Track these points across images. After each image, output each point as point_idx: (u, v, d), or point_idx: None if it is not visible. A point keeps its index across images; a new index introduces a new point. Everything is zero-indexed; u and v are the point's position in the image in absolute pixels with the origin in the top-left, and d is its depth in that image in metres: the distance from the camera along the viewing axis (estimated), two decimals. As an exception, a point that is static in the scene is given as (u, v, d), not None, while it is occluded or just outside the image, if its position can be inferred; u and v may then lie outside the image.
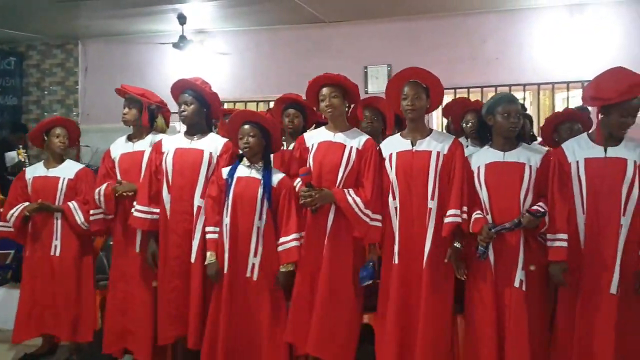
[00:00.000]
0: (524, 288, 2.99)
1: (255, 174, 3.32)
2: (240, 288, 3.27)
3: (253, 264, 3.26)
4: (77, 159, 4.19)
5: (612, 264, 2.89)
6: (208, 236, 3.35)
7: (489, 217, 3.06)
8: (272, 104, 7.37)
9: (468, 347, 3.16)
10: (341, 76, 3.38)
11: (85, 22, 7.35)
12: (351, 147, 3.30)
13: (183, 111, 3.51)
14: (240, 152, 3.44)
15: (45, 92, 8.32)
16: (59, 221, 3.92)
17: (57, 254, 3.90)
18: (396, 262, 3.17)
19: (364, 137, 3.36)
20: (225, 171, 3.39)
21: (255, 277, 3.27)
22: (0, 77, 8.06)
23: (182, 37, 6.81)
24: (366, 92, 6.73)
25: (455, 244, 3.09)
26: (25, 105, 8.31)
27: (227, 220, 3.29)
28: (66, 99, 8.23)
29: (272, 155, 3.48)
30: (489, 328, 3.03)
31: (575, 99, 6.38)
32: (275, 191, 3.29)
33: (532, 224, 2.94)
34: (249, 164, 3.36)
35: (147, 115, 3.81)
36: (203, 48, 7.44)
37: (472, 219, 3.05)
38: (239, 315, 3.27)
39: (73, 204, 3.89)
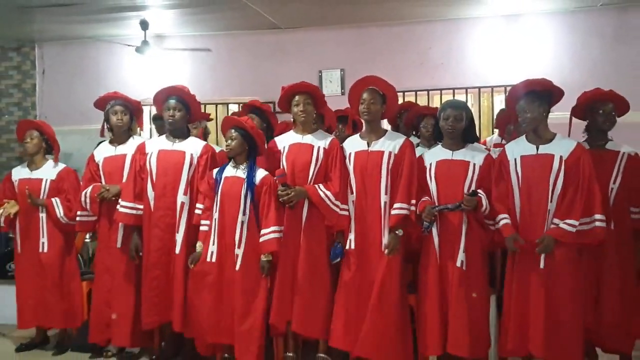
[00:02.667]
0: (464, 268, 3.48)
1: (240, 174, 3.68)
2: (227, 276, 3.62)
3: (237, 255, 3.62)
4: (56, 161, 4.39)
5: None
6: (202, 228, 3.70)
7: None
8: (230, 106, 7.75)
9: (419, 321, 3.63)
10: (314, 86, 3.79)
11: (42, 26, 7.39)
12: (319, 147, 3.73)
13: (172, 116, 3.81)
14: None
15: (2, 95, 8.29)
16: (44, 218, 4.15)
17: (45, 250, 4.18)
18: (353, 247, 3.62)
19: (329, 138, 3.79)
20: (215, 171, 3.73)
21: (237, 267, 3.63)
22: (-46, 80, 7.99)
23: (145, 42, 7.00)
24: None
25: (396, 232, 3.55)
26: (-19, 108, 8.26)
27: (216, 215, 3.64)
28: (23, 101, 8.22)
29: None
30: (433, 303, 3.52)
31: (512, 101, 6.98)
32: (258, 189, 3.66)
33: (470, 203, 3.43)
34: (234, 164, 3.71)
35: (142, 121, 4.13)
36: (163, 51, 7.62)
37: (419, 203, 3.53)
38: (224, 300, 3.62)
39: (55, 200, 4.17)
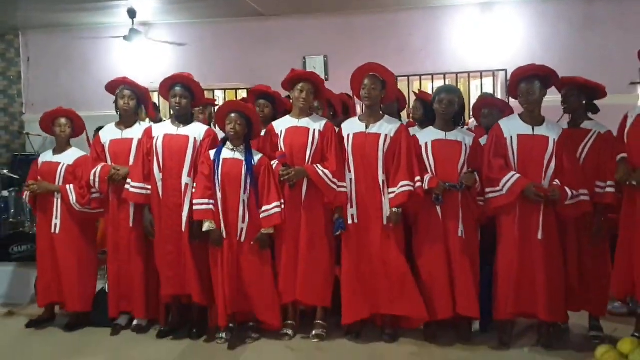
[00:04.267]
0: (464, 237, 3.84)
1: (239, 156, 3.94)
2: (233, 249, 3.90)
3: (242, 229, 3.90)
4: (89, 144, 4.55)
5: (538, 216, 3.71)
6: (202, 207, 3.91)
7: None
8: (216, 92, 7.94)
9: (424, 285, 3.92)
10: (320, 78, 4.11)
11: (26, 14, 7.48)
12: (314, 130, 4.02)
13: (178, 103, 4.04)
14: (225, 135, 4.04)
15: (-14, 82, 8.36)
16: (59, 202, 4.36)
17: (57, 232, 4.35)
18: (356, 221, 3.93)
19: (324, 121, 4.09)
20: (211, 153, 3.98)
21: (242, 239, 3.91)
22: (-62, 68, 8.02)
23: (133, 30, 7.14)
24: (305, 81, 7.38)
25: (394, 210, 3.86)
26: (-35, 96, 8.32)
27: (219, 194, 3.90)
28: (8, 89, 8.31)
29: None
30: (440, 268, 3.85)
31: (487, 86, 7.35)
32: (256, 169, 3.93)
33: (469, 180, 3.78)
34: (232, 147, 3.97)
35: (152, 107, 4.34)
36: (148, 40, 7.75)
37: (426, 180, 3.85)
38: (235, 271, 3.90)
39: (69, 187, 4.34)
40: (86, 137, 4.60)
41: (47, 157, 4.50)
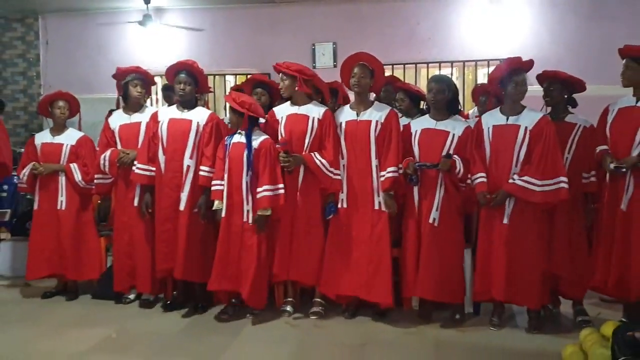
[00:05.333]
0: (436, 224, 3.98)
1: (243, 140, 4.11)
2: (237, 229, 4.08)
3: (247, 211, 4.09)
4: (79, 127, 4.81)
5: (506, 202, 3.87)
6: (215, 188, 4.12)
7: None
8: (227, 77, 8.11)
9: (402, 269, 4.13)
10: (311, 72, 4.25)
11: (45, -1, 7.71)
12: (313, 118, 4.16)
13: (182, 89, 4.23)
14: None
15: (7, 65, 8.61)
16: (63, 180, 4.59)
17: (63, 208, 4.62)
18: (345, 206, 4.11)
19: (323, 109, 4.22)
20: (227, 138, 4.18)
21: (250, 221, 4.08)
22: (-40, 50, 8.29)
23: (148, 16, 7.32)
24: (314, 67, 7.48)
25: (389, 192, 4.02)
26: (-14, 77, 8.58)
27: (226, 176, 4.09)
28: (28, 71, 8.55)
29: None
30: (411, 253, 4.04)
31: (494, 75, 7.41)
32: (256, 152, 4.08)
33: (445, 165, 3.90)
34: (240, 132, 4.15)
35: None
36: (162, 25, 7.93)
37: (403, 161, 4.01)
38: (235, 249, 4.08)
39: (73, 165, 4.59)
40: (79, 118, 4.82)
41: (46, 138, 4.72)
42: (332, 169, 4.09)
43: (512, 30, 7.12)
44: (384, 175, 4.01)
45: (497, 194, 3.85)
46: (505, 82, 3.93)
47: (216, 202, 4.12)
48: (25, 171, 4.65)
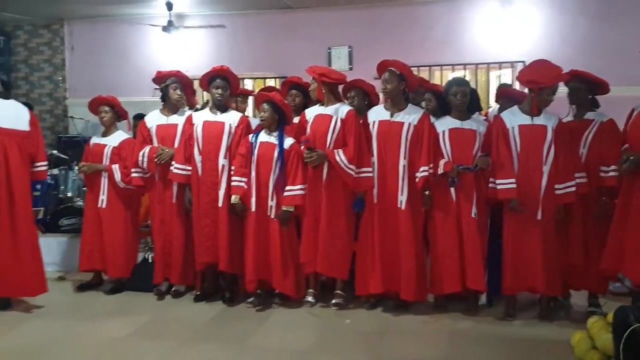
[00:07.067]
0: (477, 218, 4.19)
1: (273, 140, 4.37)
2: (263, 223, 4.35)
3: (271, 206, 4.35)
4: (129, 130, 5.11)
5: (537, 198, 4.07)
6: (235, 184, 4.38)
7: None
8: (246, 81, 8.35)
9: (436, 261, 4.30)
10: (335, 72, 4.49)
11: (71, 6, 7.97)
12: (336, 118, 4.39)
13: (220, 94, 4.49)
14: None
15: (34, 69, 8.94)
16: (106, 180, 4.87)
17: (104, 206, 4.88)
18: (376, 201, 4.32)
19: (346, 109, 4.45)
20: (251, 136, 4.44)
21: (272, 215, 4.35)
22: (-11, 55, 8.63)
23: (170, 22, 7.59)
24: (329, 70, 7.72)
25: (426, 192, 4.24)
26: (15, 81, 8.88)
27: (253, 173, 4.34)
28: (54, 75, 8.88)
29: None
30: (452, 246, 4.21)
31: (505, 77, 7.61)
32: (287, 153, 4.35)
33: (484, 163, 4.11)
34: (268, 132, 4.39)
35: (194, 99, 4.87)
36: (184, 30, 8.19)
37: (441, 164, 4.20)
38: (262, 242, 4.34)
39: (115, 166, 4.86)
40: (127, 122, 5.10)
41: (96, 139, 5.03)
42: (351, 166, 4.27)
43: (523, 33, 7.28)
44: (418, 176, 4.20)
45: (559, 211, 4.08)
46: (554, 89, 4.09)
47: (233, 197, 4.37)
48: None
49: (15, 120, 4.45)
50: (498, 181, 4.09)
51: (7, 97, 4.54)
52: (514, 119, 4.17)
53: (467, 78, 7.46)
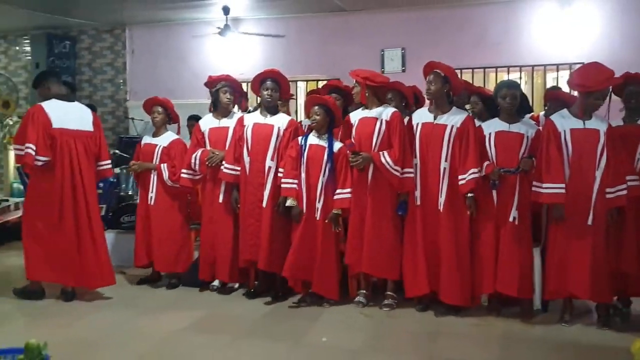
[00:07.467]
0: (516, 223, 4.15)
1: (323, 143, 4.44)
2: (310, 224, 4.43)
3: (317, 208, 4.43)
4: (178, 132, 5.30)
5: (589, 203, 3.99)
6: (287, 186, 4.46)
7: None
8: (298, 83, 8.46)
9: (474, 266, 4.29)
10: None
11: (132, 12, 8.33)
12: (381, 120, 4.42)
13: (270, 95, 4.60)
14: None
15: (97, 72, 9.35)
16: (155, 178, 5.06)
17: (152, 203, 5.08)
18: (418, 203, 4.34)
19: (391, 111, 4.47)
20: (300, 139, 4.51)
21: (318, 217, 4.42)
22: (57, 59, 9.05)
23: (227, 26, 7.79)
24: (382, 72, 7.64)
25: (469, 195, 4.21)
26: (79, 84, 9.31)
27: (302, 175, 4.43)
28: (115, 78, 9.25)
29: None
30: (489, 250, 4.21)
31: (564, 79, 7.42)
32: (336, 156, 4.42)
33: (527, 165, 4.08)
34: (317, 135, 4.46)
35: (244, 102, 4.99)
36: (239, 34, 8.38)
37: (484, 166, 4.20)
38: (308, 243, 4.42)
39: (164, 165, 5.04)
40: (178, 126, 5.28)
41: (147, 139, 5.25)
42: (397, 167, 4.29)
43: (582, 34, 7.12)
44: (465, 178, 4.19)
45: (611, 215, 4.01)
46: (605, 93, 4.04)
47: (289, 200, 4.44)
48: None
49: (80, 121, 4.67)
50: (545, 185, 4.00)
51: (71, 100, 4.78)
52: (566, 122, 4.09)
53: (523, 80, 7.37)
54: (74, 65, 9.28)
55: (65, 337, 3.79)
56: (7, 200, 7.30)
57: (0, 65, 9.80)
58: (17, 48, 9.73)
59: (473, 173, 4.18)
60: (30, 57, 9.41)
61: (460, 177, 4.23)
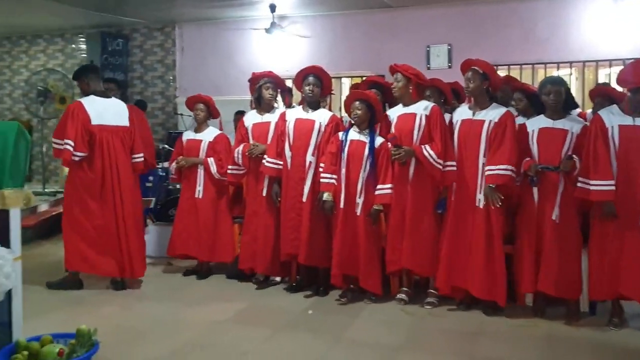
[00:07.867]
0: (557, 221, 4.07)
1: (364, 138, 4.45)
2: (350, 219, 4.45)
3: (358, 203, 4.45)
4: (220, 127, 5.42)
5: (638, 201, 3.85)
6: (326, 180, 4.49)
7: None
8: (342, 80, 8.49)
9: (517, 265, 4.25)
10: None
11: (181, 10, 8.52)
12: (421, 115, 4.41)
13: (311, 91, 4.65)
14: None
15: (148, 69, 9.62)
16: (202, 172, 5.19)
17: (200, 196, 5.23)
18: (453, 199, 4.33)
19: (430, 105, 4.45)
20: (341, 134, 4.53)
21: (358, 212, 4.44)
22: (111, 56, 9.37)
23: (273, 24, 7.88)
24: (428, 69, 7.68)
25: (490, 185, 4.13)
26: (131, 80, 9.63)
27: (343, 170, 4.45)
28: (165, 75, 9.51)
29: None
30: (530, 249, 4.15)
31: (615, 75, 7.19)
32: (377, 151, 4.42)
33: (566, 166, 4.00)
34: (358, 130, 4.49)
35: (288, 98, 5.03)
36: (285, 32, 8.46)
37: (523, 162, 4.14)
38: (349, 238, 4.45)
39: (211, 159, 5.18)
40: (219, 121, 5.40)
41: (189, 135, 5.41)
42: (440, 161, 4.26)
43: (635, 29, 6.88)
44: (493, 170, 4.11)
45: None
46: None
47: (325, 194, 4.47)
48: (174, 165, 5.33)
49: (117, 117, 4.86)
50: (593, 182, 3.89)
51: (108, 96, 4.96)
52: (614, 118, 3.98)
53: (573, 76, 7.19)
54: (126, 62, 9.58)
55: (114, 325, 3.95)
56: (62, 192, 7.59)
57: (57, 62, 10.22)
58: (73, 46, 10.12)
59: (505, 170, 4.09)
60: (85, 55, 9.79)
61: (487, 167, 4.15)
